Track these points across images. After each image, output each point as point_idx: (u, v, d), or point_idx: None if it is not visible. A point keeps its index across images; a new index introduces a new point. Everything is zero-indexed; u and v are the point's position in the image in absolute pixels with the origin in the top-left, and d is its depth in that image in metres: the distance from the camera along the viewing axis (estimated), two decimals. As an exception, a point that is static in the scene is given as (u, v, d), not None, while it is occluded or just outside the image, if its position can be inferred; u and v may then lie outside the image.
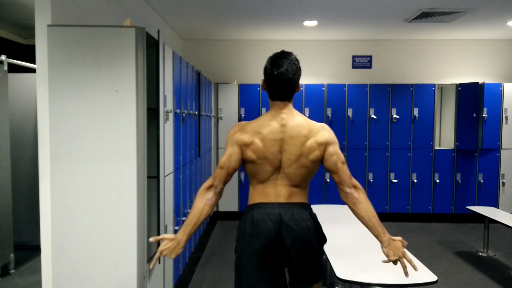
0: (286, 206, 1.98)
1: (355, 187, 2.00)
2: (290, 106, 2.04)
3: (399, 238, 1.98)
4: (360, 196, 1.99)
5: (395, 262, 1.96)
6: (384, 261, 1.98)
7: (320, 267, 2.11)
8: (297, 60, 2.03)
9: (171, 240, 1.93)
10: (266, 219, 1.95)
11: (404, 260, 1.94)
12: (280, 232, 1.95)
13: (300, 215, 1.98)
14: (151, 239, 1.99)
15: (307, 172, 2.02)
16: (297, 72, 2.02)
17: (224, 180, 2.00)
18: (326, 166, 2.02)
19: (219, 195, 2.01)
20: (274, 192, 2.00)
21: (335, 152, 2.01)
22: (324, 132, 2.01)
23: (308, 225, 1.98)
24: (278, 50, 2.08)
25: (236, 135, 2.01)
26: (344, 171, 2.00)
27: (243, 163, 2.03)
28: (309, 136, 1.97)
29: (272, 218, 1.95)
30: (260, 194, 2.02)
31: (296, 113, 2.03)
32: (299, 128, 1.98)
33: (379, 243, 2.00)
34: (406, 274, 1.94)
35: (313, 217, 2.05)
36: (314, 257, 2.03)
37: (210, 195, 1.98)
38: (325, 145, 1.99)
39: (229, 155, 2.00)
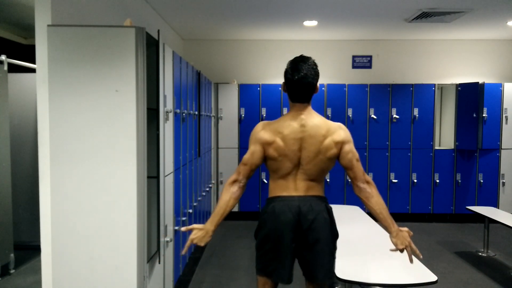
0: (305, 199, 2.15)
1: (368, 182, 2.15)
2: (309, 107, 2.19)
3: (405, 228, 2.17)
4: (373, 191, 2.15)
5: (401, 251, 2.13)
6: (392, 250, 2.16)
7: (333, 264, 2.24)
8: (316, 65, 2.21)
9: (200, 230, 2.13)
10: (286, 210, 2.13)
11: (410, 249, 2.12)
12: (299, 222, 2.12)
13: (317, 207, 2.15)
14: (183, 229, 2.16)
15: (325, 168, 2.18)
16: (316, 76, 2.18)
17: (247, 175, 2.19)
18: (342, 163, 2.17)
19: (243, 188, 2.21)
20: (294, 186, 2.17)
21: (350, 150, 2.16)
22: (340, 132, 2.16)
23: (324, 216, 2.15)
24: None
25: (259, 134, 2.17)
26: (359, 167, 2.15)
27: (265, 160, 2.20)
28: (326, 135, 2.13)
29: (292, 210, 2.12)
30: (281, 188, 2.19)
31: (315, 114, 2.19)
32: (318, 128, 2.13)
33: (379, 243, 2.02)
34: (411, 260, 2.14)
35: (329, 210, 2.22)
36: (327, 249, 2.15)
37: (234, 188, 2.19)
38: (341, 143, 2.15)
39: (252, 153, 2.17)
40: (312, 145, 2.11)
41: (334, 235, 2.22)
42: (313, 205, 2.14)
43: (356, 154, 2.17)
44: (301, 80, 2.12)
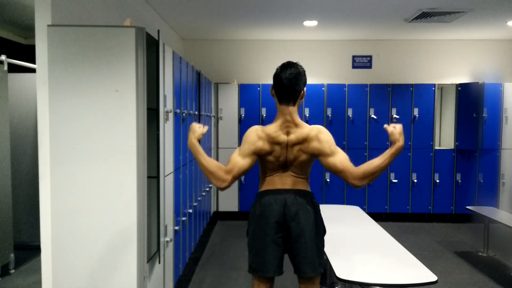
0: (290, 192, 2.27)
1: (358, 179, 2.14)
2: (295, 114, 2.28)
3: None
4: (358, 174, 2.14)
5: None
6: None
7: (320, 258, 2.27)
8: (303, 69, 2.30)
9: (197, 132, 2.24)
10: (273, 202, 2.24)
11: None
12: (285, 214, 2.22)
13: (302, 199, 2.25)
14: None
15: (306, 166, 2.31)
16: (303, 75, 2.27)
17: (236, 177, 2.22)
18: (321, 160, 2.24)
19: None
20: (281, 182, 2.29)
21: (333, 152, 2.21)
22: (311, 135, 2.23)
23: (308, 208, 2.25)
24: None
25: (255, 144, 2.23)
26: (340, 155, 2.21)
27: (260, 160, 2.31)
28: (297, 143, 2.24)
29: (278, 202, 2.24)
30: (269, 183, 2.31)
31: (299, 123, 2.27)
32: (301, 137, 2.23)
33: (378, 243, 2.02)
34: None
35: (314, 204, 2.28)
36: (312, 242, 2.21)
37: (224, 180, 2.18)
38: (309, 145, 2.23)
39: (250, 145, 2.24)
40: (297, 151, 2.24)
41: (321, 229, 2.30)
42: (297, 197, 2.24)
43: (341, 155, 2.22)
44: (288, 76, 2.23)
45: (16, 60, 4.04)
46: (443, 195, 6.08)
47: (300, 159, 2.25)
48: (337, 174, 2.18)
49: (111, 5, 3.37)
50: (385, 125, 2.21)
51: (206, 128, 2.27)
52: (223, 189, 2.19)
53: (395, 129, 2.15)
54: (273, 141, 2.23)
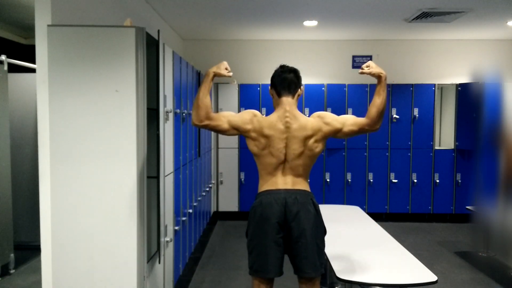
0: (291, 191, 2.27)
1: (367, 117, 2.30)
2: (294, 106, 2.35)
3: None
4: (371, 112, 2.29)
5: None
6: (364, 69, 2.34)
7: (321, 258, 2.27)
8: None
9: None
10: (273, 203, 2.23)
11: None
12: (285, 214, 2.22)
13: (302, 199, 2.25)
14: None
15: (310, 162, 2.33)
16: (297, 73, 2.40)
17: (215, 121, 2.31)
18: (340, 135, 2.34)
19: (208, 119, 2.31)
20: (281, 181, 2.29)
21: (334, 119, 2.33)
22: (318, 123, 2.31)
23: (309, 209, 2.25)
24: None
25: (244, 123, 2.31)
26: (348, 119, 2.33)
27: (255, 157, 2.35)
28: (311, 136, 2.28)
29: (278, 202, 2.23)
30: (269, 183, 2.31)
31: (299, 115, 2.33)
32: (301, 129, 2.28)
33: (378, 243, 2.03)
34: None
35: (315, 204, 2.29)
36: (312, 242, 2.22)
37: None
38: (323, 131, 2.30)
39: (240, 118, 2.33)
40: (296, 144, 2.26)
41: (321, 230, 2.30)
42: (298, 197, 2.24)
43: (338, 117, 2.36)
44: (287, 70, 2.38)
45: (16, 60, 4.04)
46: (443, 195, 6.08)
47: (316, 150, 2.30)
48: (358, 134, 2.35)
49: (111, 5, 3.37)
50: (360, 70, 2.35)
51: (230, 74, 2.40)
52: (194, 124, 2.32)
53: (370, 67, 2.30)
54: (261, 133, 2.28)
